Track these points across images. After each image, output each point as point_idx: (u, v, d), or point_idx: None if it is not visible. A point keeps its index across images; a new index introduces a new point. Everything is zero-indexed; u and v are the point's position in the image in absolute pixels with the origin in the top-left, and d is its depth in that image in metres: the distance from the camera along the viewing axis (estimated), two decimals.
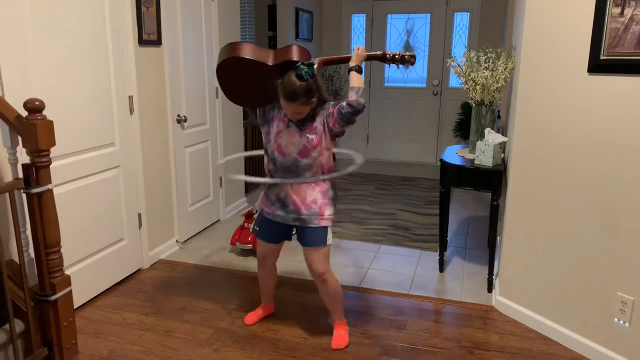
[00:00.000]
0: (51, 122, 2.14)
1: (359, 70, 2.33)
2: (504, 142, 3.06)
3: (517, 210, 2.72)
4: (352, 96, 2.21)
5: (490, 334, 2.66)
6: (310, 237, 2.39)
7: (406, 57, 2.45)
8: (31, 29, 2.42)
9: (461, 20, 6.25)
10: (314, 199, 2.35)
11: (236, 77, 2.33)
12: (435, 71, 6.44)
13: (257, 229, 2.55)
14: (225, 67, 2.30)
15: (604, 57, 2.21)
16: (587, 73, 2.29)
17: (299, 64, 2.19)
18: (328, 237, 2.40)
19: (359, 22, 6.63)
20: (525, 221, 2.68)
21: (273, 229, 2.49)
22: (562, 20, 2.37)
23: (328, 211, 2.38)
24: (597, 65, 2.24)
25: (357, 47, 2.41)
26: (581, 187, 2.39)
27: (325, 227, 2.38)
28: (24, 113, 2.11)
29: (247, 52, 2.27)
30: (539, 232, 2.62)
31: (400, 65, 2.50)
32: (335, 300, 2.53)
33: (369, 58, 2.45)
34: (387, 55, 2.45)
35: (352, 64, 2.33)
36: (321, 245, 2.39)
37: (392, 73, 6.60)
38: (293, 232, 2.52)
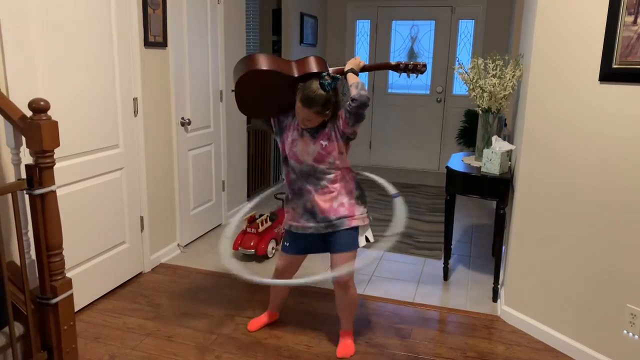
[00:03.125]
0: (56, 123, 2.11)
1: (355, 73, 2.30)
2: (511, 150, 3.04)
3: (524, 219, 2.69)
4: (353, 91, 2.19)
5: (496, 344, 2.62)
6: (340, 241, 2.35)
7: (418, 66, 2.45)
8: (37, 29, 2.40)
9: (466, 28, 6.24)
10: (341, 202, 2.33)
11: (256, 92, 2.30)
12: (439, 78, 6.42)
13: (287, 244, 2.49)
14: (247, 81, 2.26)
15: (616, 66, 2.19)
16: (599, 82, 2.26)
17: (324, 74, 2.20)
18: (360, 240, 2.36)
19: (363, 27, 6.62)
20: (533, 230, 2.65)
21: (300, 240, 2.45)
22: (573, 28, 2.35)
23: (358, 211, 2.35)
24: (609, 74, 2.21)
25: (355, 58, 2.40)
26: (590, 197, 2.36)
27: (356, 228, 2.35)
28: (29, 113, 2.08)
29: (271, 64, 2.24)
30: (546, 241, 2.58)
31: (411, 75, 2.50)
32: (351, 308, 2.50)
33: (381, 67, 2.44)
34: (400, 65, 2.45)
35: (347, 68, 2.30)
36: (350, 249, 2.35)
37: (395, 79, 6.58)
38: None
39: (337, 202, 2.32)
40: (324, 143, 2.27)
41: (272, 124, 2.41)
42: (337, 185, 2.33)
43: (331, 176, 2.31)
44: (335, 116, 2.28)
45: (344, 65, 2.33)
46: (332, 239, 2.37)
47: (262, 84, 2.28)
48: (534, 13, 2.65)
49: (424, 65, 2.45)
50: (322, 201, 2.31)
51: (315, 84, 2.18)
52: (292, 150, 2.33)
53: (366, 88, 2.20)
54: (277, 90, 2.29)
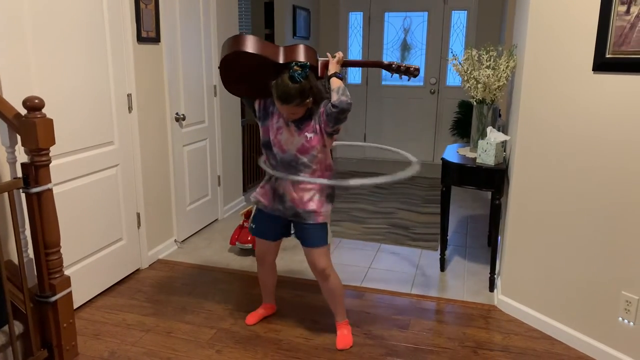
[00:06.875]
0: (51, 121, 2.11)
1: (339, 78, 2.27)
2: (506, 141, 3.06)
3: (519, 209, 2.71)
4: (334, 97, 2.17)
5: (494, 333, 2.65)
6: (310, 237, 2.39)
7: (411, 69, 2.47)
8: (30, 26, 2.38)
9: (458, 19, 6.24)
10: (311, 197, 2.34)
11: (241, 70, 2.29)
12: (433, 70, 6.43)
13: (254, 226, 2.53)
14: (231, 61, 2.25)
15: (610, 56, 2.20)
16: (592, 72, 2.28)
17: (292, 64, 2.18)
18: (328, 236, 2.40)
19: (356, 19, 6.60)
20: (528, 220, 2.67)
21: (271, 224, 2.48)
22: (566, 18, 2.36)
23: (325, 208, 2.38)
24: (603, 64, 2.23)
25: (338, 53, 2.37)
26: (585, 185, 2.38)
27: (324, 225, 2.38)
28: (23, 111, 2.07)
29: (257, 47, 2.23)
30: (541, 230, 2.61)
31: (403, 76, 2.52)
32: (337, 297, 2.52)
33: (374, 64, 2.43)
34: (393, 65, 2.46)
35: (331, 71, 2.28)
36: (321, 245, 2.39)
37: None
38: (292, 232, 2.50)
39: (308, 195, 2.34)
40: (309, 135, 2.28)
41: (257, 108, 2.39)
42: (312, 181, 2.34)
43: (310, 170, 2.32)
44: (319, 104, 2.27)
45: (327, 59, 2.33)
46: (302, 234, 2.41)
47: (247, 65, 2.26)
48: (527, 3, 2.66)
49: (417, 69, 2.47)
50: (294, 191, 2.33)
51: (285, 79, 2.16)
52: (277, 138, 2.33)
53: (348, 93, 2.18)
54: (262, 73, 2.26)
